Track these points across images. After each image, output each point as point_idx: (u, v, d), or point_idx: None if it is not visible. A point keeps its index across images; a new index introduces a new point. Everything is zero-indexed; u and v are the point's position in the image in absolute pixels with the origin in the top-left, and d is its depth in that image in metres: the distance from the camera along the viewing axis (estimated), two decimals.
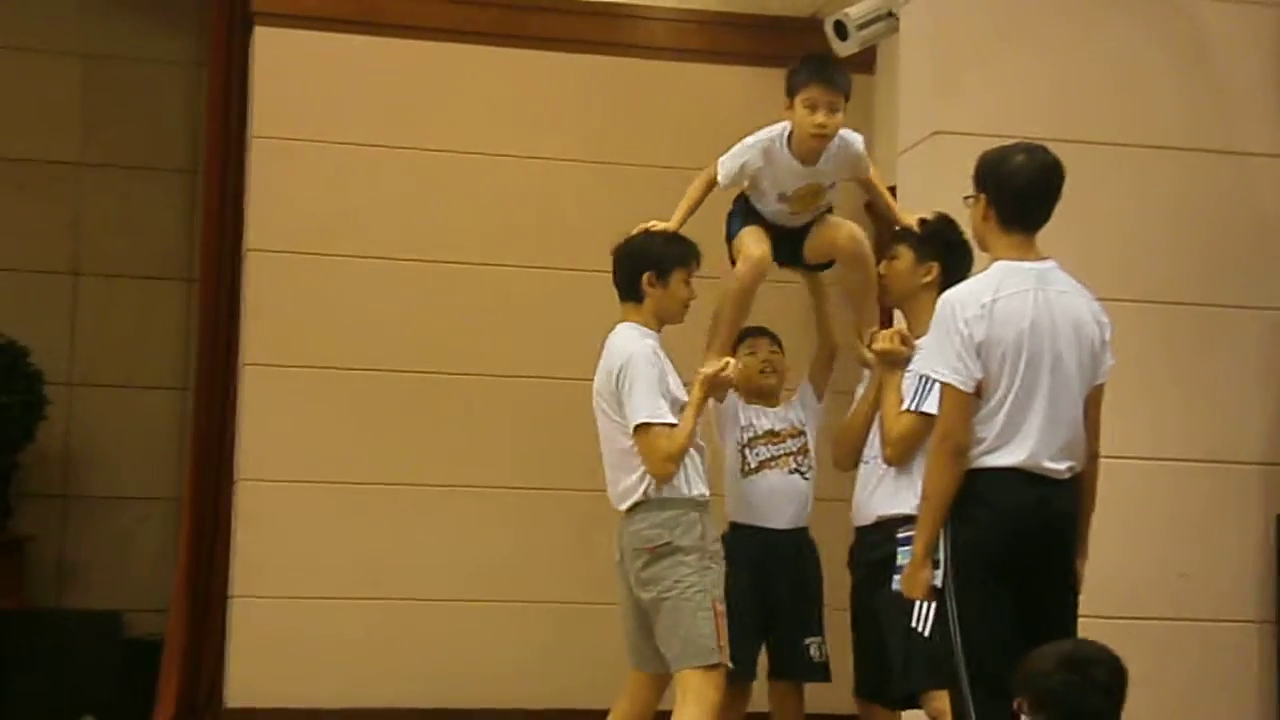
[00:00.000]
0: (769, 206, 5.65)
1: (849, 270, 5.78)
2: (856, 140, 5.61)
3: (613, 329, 5.53)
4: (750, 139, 5.59)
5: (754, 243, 5.63)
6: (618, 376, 5.33)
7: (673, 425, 5.30)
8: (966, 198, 4.77)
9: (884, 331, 5.59)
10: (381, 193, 8.45)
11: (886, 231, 5.86)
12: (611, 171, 8.54)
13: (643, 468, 5.30)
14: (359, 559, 8.30)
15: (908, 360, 5.45)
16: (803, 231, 5.74)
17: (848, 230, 5.71)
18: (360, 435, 8.35)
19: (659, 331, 5.50)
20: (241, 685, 8.23)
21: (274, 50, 8.48)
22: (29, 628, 9.34)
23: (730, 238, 5.74)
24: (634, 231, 5.58)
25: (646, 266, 5.45)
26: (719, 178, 5.63)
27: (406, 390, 8.41)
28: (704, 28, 8.71)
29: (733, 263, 5.70)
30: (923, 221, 5.56)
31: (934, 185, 5.97)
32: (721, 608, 5.28)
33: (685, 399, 5.41)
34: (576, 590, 8.23)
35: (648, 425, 5.26)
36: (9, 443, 9.50)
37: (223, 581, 8.45)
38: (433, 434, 8.41)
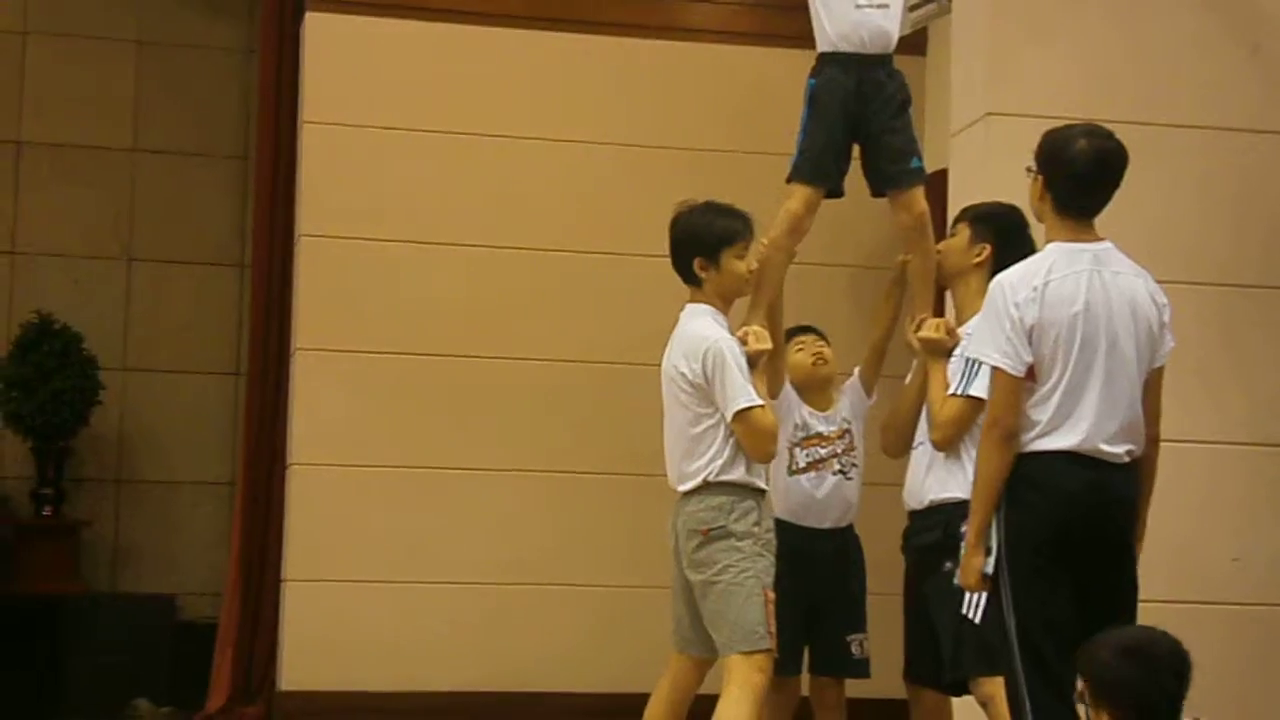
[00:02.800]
0: (839, 1, 5.62)
1: (909, 250, 5.75)
2: None
3: (682, 309, 5.49)
4: None
5: (794, 199, 5.63)
6: (705, 363, 5.27)
7: (764, 407, 5.29)
8: (1028, 168, 4.72)
9: (930, 320, 5.57)
10: (432, 178, 8.46)
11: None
12: (659, 156, 8.52)
13: (710, 452, 5.27)
14: (411, 543, 8.32)
15: (951, 350, 5.43)
16: (881, 149, 5.69)
17: (919, 210, 5.66)
18: (411, 419, 8.37)
19: (728, 308, 5.45)
20: (294, 668, 8.27)
21: (325, 36, 8.49)
22: (84, 612, 9.41)
23: (790, 173, 5.70)
24: (687, 209, 5.52)
25: (694, 252, 5.39)
26: None
27: (457, 375, 8.43)
28: (752, 10, 8.70)
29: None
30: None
31: (986, 167, 5.94)
32: (772, 595, 5.26)
33: None
34: (625, 574, 8.24)
35: (748, 410, 5.24)
36: (64, 428, 9.57)
37: (275, 565, 8.49)
38: (484, 418, 8.42)
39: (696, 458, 5.29)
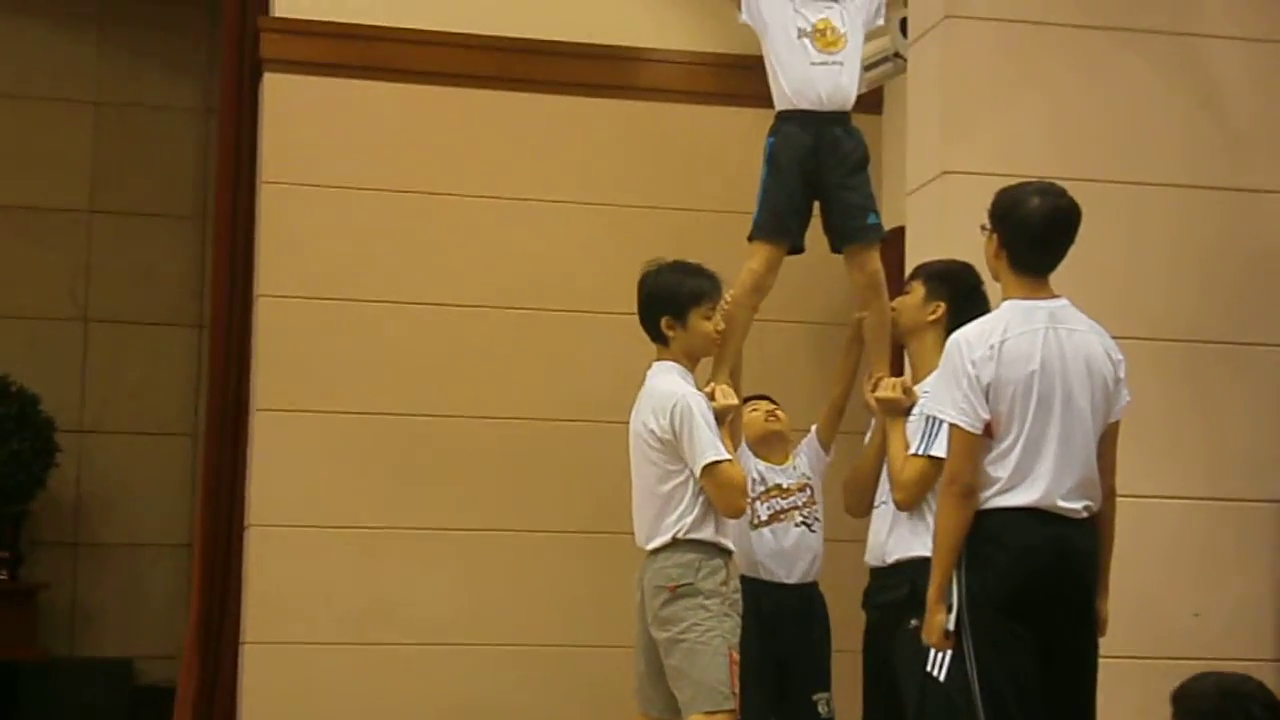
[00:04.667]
0: (794, 52, 5.65)
1: (864, 308, 5.76)
2: None
3: (648, 368, 5.51)
4: None
5: (756, 257, 5.64)
6: (673, 419, 5.28)
7: (732, 461, 5.31)
8: (981, 226, 4.75)
9: (887, 380, 5.58)
10: (391, 237, 8.45)
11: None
12: (622, 214, 8.53)
13: (680, 509, 5.28)
14: (371, 604, 8.26)
15: (908, 410, 5.43)
16: (837, 205, 5.70)
17: (872, 269, 5.67)
18: (371, 480, 8.32)
19: (694, 366, 5.48)
20: None
21: (283, 97, 8.49)
22: (42, 676, 9.35)
23: (752, 231, 5.71)
24: (656, 268, 5.55)
25: (662, 311, 5.42)
26: (740, 11, 5.73)
27: (417, 435, 8.39)
28: (712, 70, 8.71)
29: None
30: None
31: (943, 226, 5.96)
32: (737, 656, 5.26)
33: None
34: (590, 634, 8.19)
35: (716, 464, 5.24)
36: (20, 490, 9.51)
37: (234, 627, 8.42)
38: (444, 478, 8.39)
39: (666, 515, 5.29)
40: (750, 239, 5.72)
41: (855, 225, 5.68)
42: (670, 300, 5.41)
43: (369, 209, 8.44)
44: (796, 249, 5.74)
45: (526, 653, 8.34)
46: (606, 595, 7.81)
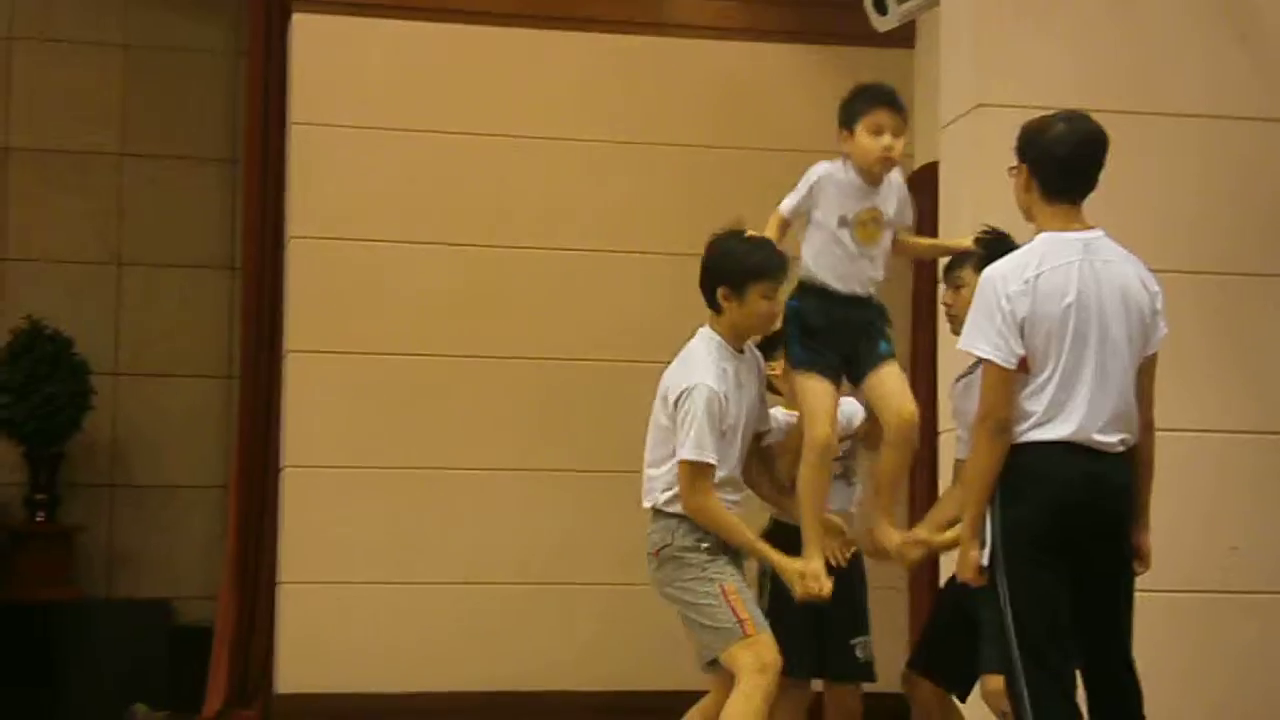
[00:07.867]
0: (830, 244, 5.33)
1: (889, 449, 5.45)
2: (903, 183, 5.44)
3: (693, 334, 5.36)
4: (809, 172, 5.36)
5: (820, 413, 5.35)
6: (681, 400, 5.22)
7: (713, 466, 5.18)
8: (1010, 169, 4.72)
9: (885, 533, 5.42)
10: (421, 177, 8.45)
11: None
12: (653, 152, 8.50)
13: (669, 477, 5.26)
14: (405, 543, 8.31)
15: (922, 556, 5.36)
16: (864, 336, 5.45)
17: (901, 407, 5.37)
18: (404, 420, 8.35)
19: (740, 344, 5.32)
20: (291, 671, 8.25)
21: (312, 37, 8.48)
22: (79, 617, 9.39)
23: (791, 364, 5.47)
24: (729, 233, 5.33)
25: (721, 280, 5.27)
26: (784, 210, 5.33)
27: (450, 374, 8.41)
28: (742, 6, 8.67)
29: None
30: (978, 239, 5.42)
31: (977, 159, 5.92)
32: (730, 585, 5.22)
33: (739, 426, 5.29)
34: (623, 573, 8.19)
35: (690, 463, 5.19)
36: (56, 433, 9.55)
37: (270, 568, 8.48)
38: (477, 417, 8.41)
39: (657, 480, 5.30)
40: (795, 369, 5.45)
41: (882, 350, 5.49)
42: (731, 271, 5.25)
43: (399, 149, 8.44)
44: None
45: (560, 591, 8.39)
46: (637, 534, 7.82)
